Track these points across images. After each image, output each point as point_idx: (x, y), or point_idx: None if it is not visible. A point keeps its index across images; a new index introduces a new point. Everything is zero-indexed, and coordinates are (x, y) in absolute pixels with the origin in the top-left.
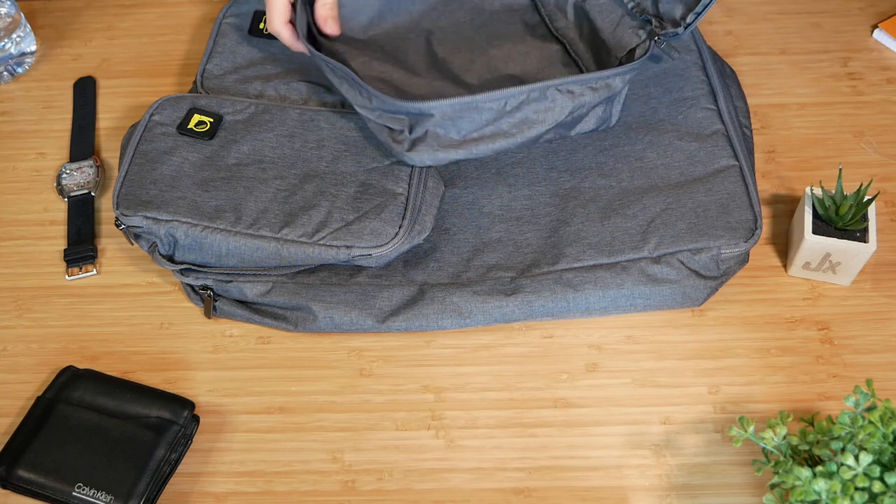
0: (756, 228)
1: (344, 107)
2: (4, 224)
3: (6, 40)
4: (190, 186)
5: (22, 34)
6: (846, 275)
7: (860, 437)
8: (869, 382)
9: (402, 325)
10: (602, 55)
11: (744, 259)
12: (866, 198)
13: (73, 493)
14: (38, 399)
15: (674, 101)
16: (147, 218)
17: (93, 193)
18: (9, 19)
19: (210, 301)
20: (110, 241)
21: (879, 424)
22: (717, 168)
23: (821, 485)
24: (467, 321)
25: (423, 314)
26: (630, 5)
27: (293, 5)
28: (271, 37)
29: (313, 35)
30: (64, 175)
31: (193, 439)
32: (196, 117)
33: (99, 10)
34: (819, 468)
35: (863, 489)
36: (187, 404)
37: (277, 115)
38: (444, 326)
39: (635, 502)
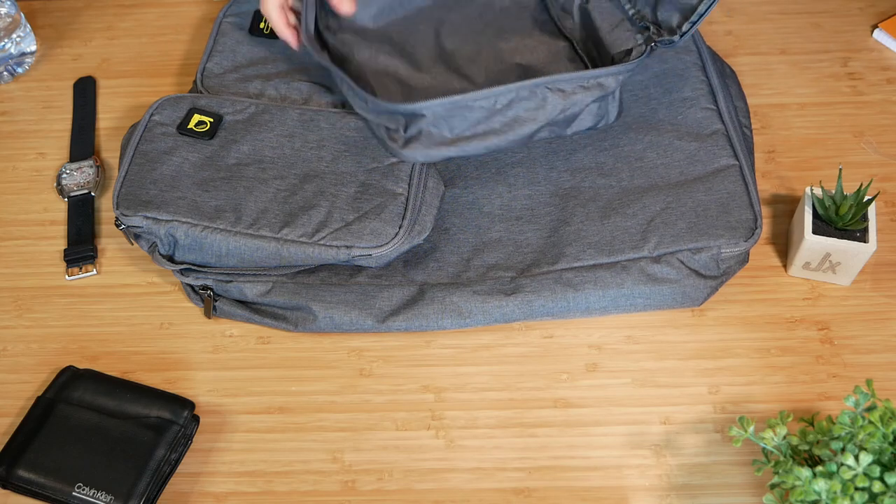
0: (756, 228)
1: (344, 107)
2: (4, 224)
3: (6, 40)
4: (190, 186)
5: (22, 34)
6: (846, 275)
7: (860, 437)
8: (869, 382)
9: (402, 325)
10: (600, 55)
11: (744, 259)
12: (866, 198)
13: (73, 493)
14: (38, 399)
15: (674, 102)
16: (147, 218)
17: (93, 193)
18: (9, 19)
19: (210, 301)
20: (110, 241)
21: (879, 424)
22: (717, 168)
23: (821, 485)
24: (467, 321)
25: (423, 314)
26: (631, 11)
27: None
28: (272, 36)
29: (319, 28)
30: (64, 175)
31: (193, 439)
32: (196, 117)
33: (99, 10)
34: (819, 468)
35: (863, 489)
36: (187, 404)
37: (277, 114)
38: (444, 326)
39: (635, 502)
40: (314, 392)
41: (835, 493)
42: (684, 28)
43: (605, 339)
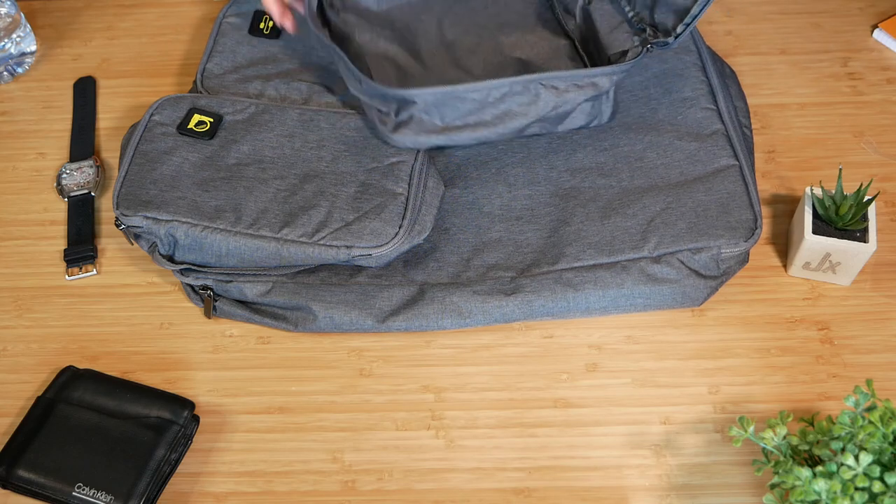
0: (756, 228)
1: (344, 107)
2: (4, 224)
3: (6, 40)
4: (190, 186)
5: (22, 34)
6: (846, 275)
7: (860, 437)
8: (869, 382)
9: (402, 325)
10: (598, 55)
11: (744, 259)
12: (866, 198)
13: (73, 493)
14: (38, 399)
15: (674, 102)
16: (147, 218)
17: (93, 193)
18: (9, 19)
19: (210, 301)
20: (110, 241)
21: (879, 424)
22: (716, 168)
23: (821, 485)
24: (467, 321)
25: (423, 314)
26: (630, 14)
27: None
28: (272, 36)
29: (322, 5)
30: (64, 175)
31: (193, 439)
32: (196, 117)
33: (99, 10)
34: (819, 468)
35: (863, 489)
36: (187, 404)
37: (277, 115)
38: (444, 326)
39: (635, 502)
40: (314, 392)
41: (835, 493)
42: (678, 30)
43: (605, 339)
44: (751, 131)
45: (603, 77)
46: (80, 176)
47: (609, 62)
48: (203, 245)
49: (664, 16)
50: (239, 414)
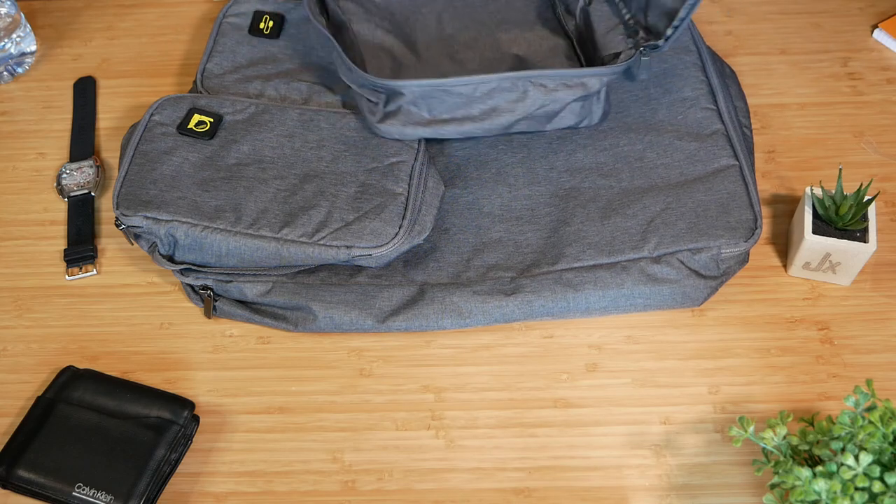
0: (756, 228)
1: (344, 107)
2: (4, 224)
3: (6, 40)
4: (190, 186)
5: (22, 34)
6: (846, 275)
7: (860, 437)
8: (869, 382)
9: (402, 325)
10: (594, 56)
11: (744, 259)
12: (866, 198)
13: (73, 493)
14: (38, 399)
15: (673, 102)
16: (147, 218)
17: (93, 193)
18: (9, 19)
19: (210, 301)
20: (110, 241)
21: (879, 424)
22: (716, 168)
23: (821, 485)
24: (467, 321)
25: (423, 314)
26: (627, 16)
27: None
28: (272, 36)
29: None
30: (64, 175)
31: (193, 439)
32: (196, 117)
33: (99, 10)
34: (819, 468)
35: (863, 489)
36: (187, 404)
37: (277, 115)
38: (444, 326)
39: (635, 502)
40: (314, 392)
41: (835, 493)
42: (668, 32)
43: (605, 339)
44: (751, 131)
45: (592, 78)
46: (80, 176)
47: (603, 64)
48: (203, 245)
49: (656, 19)
50: (239, 414)
